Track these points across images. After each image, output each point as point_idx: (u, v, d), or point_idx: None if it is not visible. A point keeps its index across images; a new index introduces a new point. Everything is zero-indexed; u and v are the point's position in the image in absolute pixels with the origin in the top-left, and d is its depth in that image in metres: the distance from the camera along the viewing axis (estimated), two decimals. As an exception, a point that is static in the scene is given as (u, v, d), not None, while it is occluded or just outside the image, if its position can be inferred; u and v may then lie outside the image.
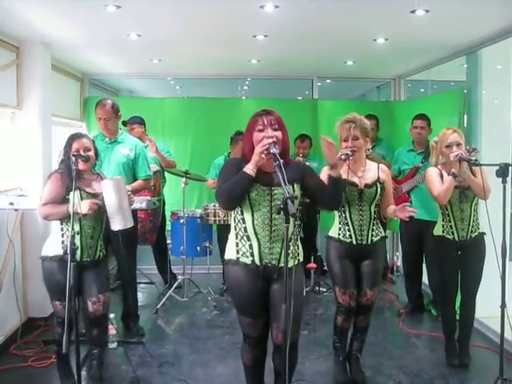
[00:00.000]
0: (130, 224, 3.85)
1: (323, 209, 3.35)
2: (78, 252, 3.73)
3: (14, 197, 4.68)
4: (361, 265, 3.96)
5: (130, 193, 3.90)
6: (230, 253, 3.22)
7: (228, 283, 3.34)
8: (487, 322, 5.07)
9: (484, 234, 4.29)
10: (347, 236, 3.92)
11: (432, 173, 4.27)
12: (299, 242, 3.26)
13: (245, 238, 3.14)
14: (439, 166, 4.29)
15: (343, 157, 3.65)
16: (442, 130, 4.32)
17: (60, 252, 3.70)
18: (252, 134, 3.12)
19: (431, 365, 4.47)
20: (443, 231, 4.31)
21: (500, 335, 3.84)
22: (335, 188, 3.23)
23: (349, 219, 3.91)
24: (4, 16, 4.39)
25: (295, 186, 3.12)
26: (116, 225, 3.78)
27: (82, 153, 3.78)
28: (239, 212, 3.16)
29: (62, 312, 3.73)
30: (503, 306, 3.77)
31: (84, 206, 3.63)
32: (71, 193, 3.54)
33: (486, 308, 4.85)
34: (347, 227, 3.92)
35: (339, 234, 3.96)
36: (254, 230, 3.11)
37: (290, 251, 3.09)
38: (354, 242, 3.90)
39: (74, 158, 3.62)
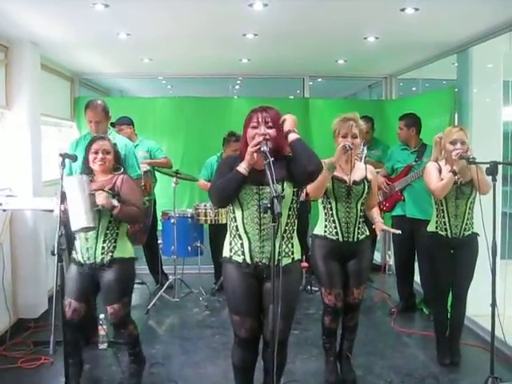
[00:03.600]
0: (91, 224, 3.54)
1: (308, 178, 3.11)
2: (79, 254, 3.76)
3: (2, 197, 4.65)
4: (347, 264, 3.96)
5: (94, 192, 3.64)
6: (225, 251, 3.23)
7: (224, 280, 3.33)
8: (478, 321, 5.07)
9: (477, 234, 4.30)
10: (333, 233, 3.92)
11: (431, 167, 4.30)
12: (295, 240, 3.22)
13: (237, 236, 3.15)
14: (440, 162, 4.30)
15: (347, 146, 3.74)
16: (433, 127, 4.34)
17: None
18: (246, 131, 3.12)
19: (422, 364, 4.47)
20: (436, 227, 4.32)
21: (491, 334, 3.84)
22: (300, 149, 3.03)
23: (335, 216, 3.91)
24: (-8, 15, 4.37)
25: (285, 183, 3.07)
26: (75, 224, 3.53)
27: (100, 155, 3.76)
28: (231, 210, 3.17)
29: (66, 312, 3.71)
30: (494, 304, 3.76)
31: (100, 197, 3.57)
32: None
33: (477, 306, 4.84)
34: (333, 224, 3.92)
35: (325, 232, 3.95)
36: (244, 228, 3.11)
37: (281, 249, 3.07)
38: (341, 239, 3.91)
39: (61, 158, 3.56)
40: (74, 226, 3.54)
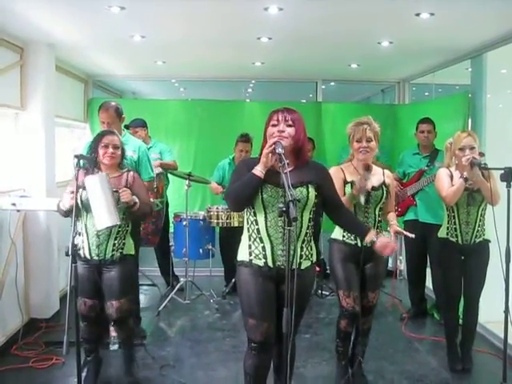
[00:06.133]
0: (117, 222, 3.61)
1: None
2: (86, 250, 3.79)
3: (16, 197, 4.68)
4: (363, 268, 3.95)
5: (116, 190, 3.70)
6: (243, 254, 3.17)
7: (238, 284, 3.26)
8: (490, 327, 5.04)
9: (489, 241, 4.27)
10: (352, 238, 3.90)
11: (442, 173, 4.27)
12: (312, 243, 3.22)
13: (258, 239, 3.10)
14: (451, 168, 4.28)
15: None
16: (446, 133, 4.30)
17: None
18: (267, 130, 3.12)
19: (433, 370, 4.45)
20: (447, 233, 4.29)
21: (503, 340, 3.83)
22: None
23: None
24: (8, 17, 4.39)
25: (310, 187, 3.07)
26: (101, 223, 3.59)
27: (110, 149, 3.80)
28: (252, 213, 3.11)
29: (82, 310, 3.85)
30: (506, 310, 3.75)
31: (126, 195, 3.67)
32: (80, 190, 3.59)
33: (490, 313, 4.82)
34: None
35: (344, 236, 3.94)
36: (267, 231, 3.07)
37: (303, 252, 3.11)
38: (359, 244, 3.88)
39: (76, 159, 3.56)
40: (99, 225, 3.60)
